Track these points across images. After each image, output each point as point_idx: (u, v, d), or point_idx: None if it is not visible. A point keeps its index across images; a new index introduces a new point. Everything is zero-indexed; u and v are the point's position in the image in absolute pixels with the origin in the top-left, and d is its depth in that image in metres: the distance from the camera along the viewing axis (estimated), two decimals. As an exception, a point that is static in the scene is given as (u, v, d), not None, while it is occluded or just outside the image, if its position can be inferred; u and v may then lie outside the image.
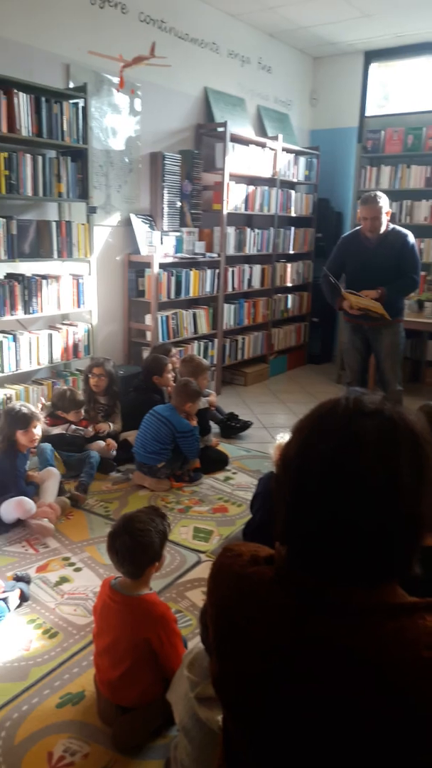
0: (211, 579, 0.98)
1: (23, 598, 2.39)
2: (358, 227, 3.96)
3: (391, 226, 3.83)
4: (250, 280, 5.56)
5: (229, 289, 5.28)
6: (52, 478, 3.13)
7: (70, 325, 3.99)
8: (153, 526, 1.79)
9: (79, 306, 3.95)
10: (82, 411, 3.62)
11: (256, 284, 5.65)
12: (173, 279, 4.62)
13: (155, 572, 1.85)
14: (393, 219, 5.40)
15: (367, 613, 0.82)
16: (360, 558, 0.82)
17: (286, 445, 0.89)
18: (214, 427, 4.17)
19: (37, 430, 3.06)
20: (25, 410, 3.00)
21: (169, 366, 3.94)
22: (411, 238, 3.80)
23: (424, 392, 5.55)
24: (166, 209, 4.64)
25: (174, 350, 4.29)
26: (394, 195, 5.79)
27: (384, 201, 3.72)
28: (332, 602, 0.83)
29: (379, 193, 3.75)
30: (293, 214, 6.02)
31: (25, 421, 2.98)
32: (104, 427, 3.66)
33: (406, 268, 3.77)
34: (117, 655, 1.74)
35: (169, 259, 4.56)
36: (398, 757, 0.78)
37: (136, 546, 1.75)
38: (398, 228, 3.85)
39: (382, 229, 3.76)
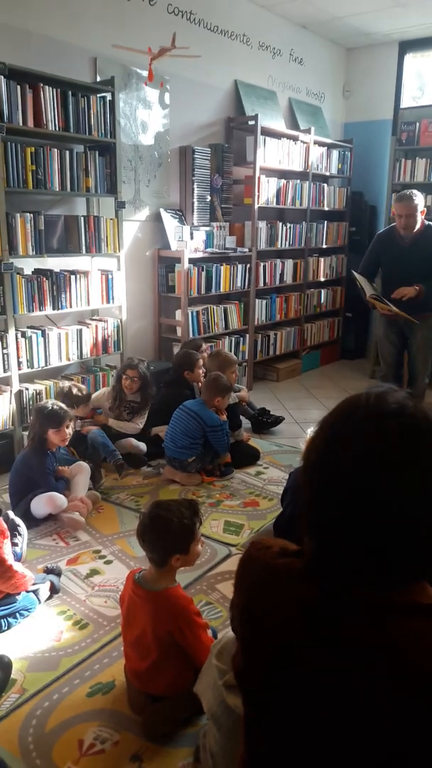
0: (240, 569, 0.97)
1: (54, 590, 2.38)
2: (393, 224, 3.97)
3: (426, 223, 3.86)
4: (282, 275, 5.49)
5: (261, 284, 5.22)
6: (82, 472, 3.12)
7: (100, 320, 4.00)
8: (177, 515, 1.76)
9: (108, 301, 3.95)
10: (89, 405, 3.59)
11: (289, 279, 5.57)
12: (204, 274, 4.59)
13: (180, 566, 1.81)
14: (429, 215, 5.44)
15: (390, 613, 0.79)
16: (383, 558, 0.79)
17: (309, 443, 0.88)
18: (246, 423, 4.12)
19: (70, 429, 3.03)
20: (57, 409, 2.96)
21: (200, 361, 3.91)
22: None
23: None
24: (196, 204, 4.61)
25: (205, 345, 4.26)
26: (429, 188, 5.66)
27: (420, 199, 3.74)
28: (355, 599, 0.81)
29: (414, 191, 3.77)
30: (326, 208, 5.92)
31: (58, 420, 2.93)
32: (102, 419, 3.63)
33: None
34: (144, 648, 1.73)
35: (200, 254, 4.53)
36: (412, 758, 0.75)
37: (153, 529, 1.73)
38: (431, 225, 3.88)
39: (417, 227, 3.79)
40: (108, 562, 2.61)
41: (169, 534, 1.74)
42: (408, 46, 5.97)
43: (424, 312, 3.85)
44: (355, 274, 4.05)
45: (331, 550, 0.83)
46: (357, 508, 0.79)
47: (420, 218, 3.78)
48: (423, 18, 5.25)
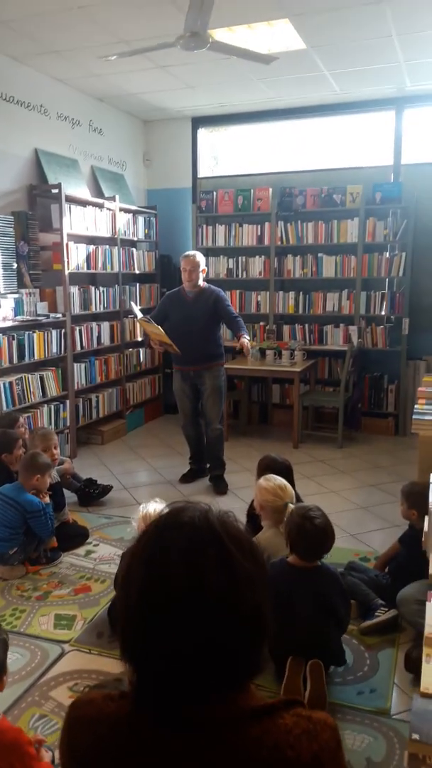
0: (67, 736, 0.89)
1: None
2: (180, 286, 4.46)
3: (206, 284, 4.43)
4: (99, 338, 5.47)
5: (78, 348, 5.15)
6: None
7: None
8: None
9: None
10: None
11: (106, 341, 5.58)
12: (15, 343, 4.39)
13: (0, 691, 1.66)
14: (230, 274, 6.14)
15: (228, 724, 0.80)
16: (199, 670, 0.79)
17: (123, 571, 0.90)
18: (72, 497, 3.96)
19: None
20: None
21: (20, 441, 3.64)
22: (222, 292, 4.43)
23: (272, 432, 5.84)
24: (1, 271, 4.44)
25: (21, 419, 4.03)
26: (229, 252, 6.12)
27: (200, 258, 4.34)
28: (192, 721, 0.80)
29: (196, 252, 4.43)
30: (137, 271, 6.08)
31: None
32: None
33: (229, 313, 4.40)
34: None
35: (9, 323, 4.34)
36: None
37: None
38: (211, 286, 4.47)
39: (200, 282, 4.33)
40: None
41: None
42: (200, 121, 6.46)
43: (211, 362, 4.35)
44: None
45: (146, 674, 0.83)
46: (151, 624, 0.80)
47: (202, 275, 4.34)
48: (210, 98, 5.73)
